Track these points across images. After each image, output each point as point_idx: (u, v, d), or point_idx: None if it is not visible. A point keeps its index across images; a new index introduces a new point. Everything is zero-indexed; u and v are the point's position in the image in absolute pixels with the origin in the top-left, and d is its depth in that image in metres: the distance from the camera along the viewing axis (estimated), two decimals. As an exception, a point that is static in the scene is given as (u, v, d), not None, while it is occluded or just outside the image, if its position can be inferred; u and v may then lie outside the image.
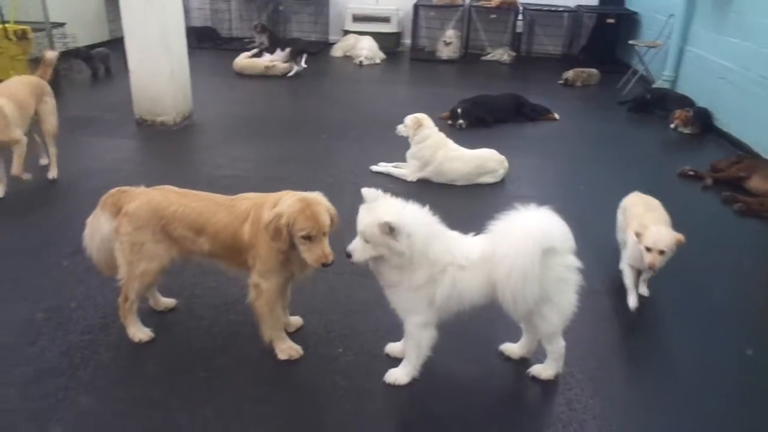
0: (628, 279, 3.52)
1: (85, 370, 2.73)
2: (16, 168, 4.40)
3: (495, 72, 10.06)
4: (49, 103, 4.80)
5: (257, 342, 2.89)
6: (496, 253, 2.43)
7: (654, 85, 8.38)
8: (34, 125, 4.75)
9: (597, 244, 4.17)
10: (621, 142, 6.71)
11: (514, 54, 10.59)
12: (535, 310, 2.53)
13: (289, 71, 9.02)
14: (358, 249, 2.45)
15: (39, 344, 2.89)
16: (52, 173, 4.86)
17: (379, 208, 2.41)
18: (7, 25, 7.24)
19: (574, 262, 2.54)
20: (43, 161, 5.00)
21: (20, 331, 2.98)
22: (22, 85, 4.59)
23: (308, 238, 2.51)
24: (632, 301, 3.39)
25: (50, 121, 4.79)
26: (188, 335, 3.02)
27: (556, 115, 7.24)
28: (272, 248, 2.61)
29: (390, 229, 2.34)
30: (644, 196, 3.90)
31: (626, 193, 4.03)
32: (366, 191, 2.52)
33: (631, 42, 9.05)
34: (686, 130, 6.85)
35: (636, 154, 6.33)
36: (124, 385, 2.67)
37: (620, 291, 3.58)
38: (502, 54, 10.61)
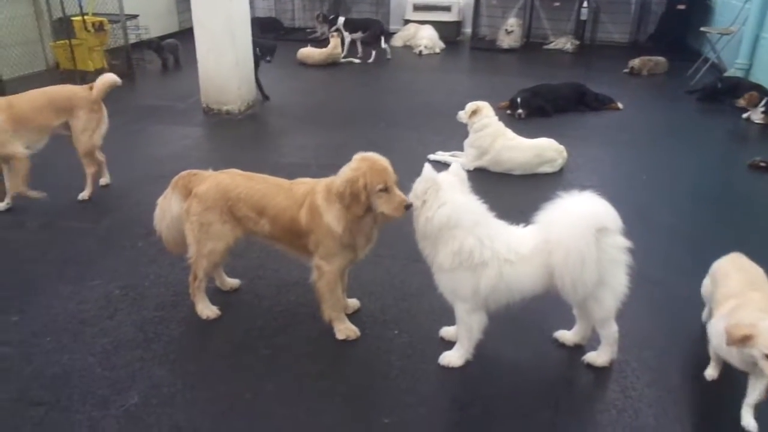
0: (712, 353, 2.73)
1: (158, 344, 2.93)
2: (12, 184, 4.13)
3: (557, 61, 9.87)
4: (82, 119, 4.25)
5: (316, 322, 3.01)
6: (549, 240, 2.45)
7: (726, 74, 8.03)
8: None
9: (657, 234, 4.11)
10: (688, 132, 6.48)
11: (577, 42, 10.35)
12: (591, 293, 2.54)
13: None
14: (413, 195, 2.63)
15: (116, 318, 3.12)
16: (104, 179, 4.65)
17: (433, 178, 2.55)
18: (86, 17, 7.66)
19: (624, 242, 2.54)
20: (103, 180, 4.68)
21: (99, 306, 3.21)
22: (37, 96, 4.22)
23: (385, 190, 2.61)
24: (709, 373, 2.73)
25: (81, 139, 4.28)
26: (251, 314, 3.18)
27: (620, 105, 7.06)
28: (333, 233, 2.72)
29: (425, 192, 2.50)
30: (743, 260, 2.87)
31: (692, 183, 3.90)
32: (427, 167, 2.65)
33: (702, 29, 8.68)
34: (758, 120, 6.55)
35: (704, 144, 6.12)
36: (193, 358, 2.84)
37: (678, 280, 3.51)
38: (565, 42, 10.39)
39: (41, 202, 4.27)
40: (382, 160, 2.69)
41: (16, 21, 7.73)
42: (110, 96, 4.47)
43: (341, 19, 9.64)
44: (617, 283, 2.57)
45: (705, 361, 2.87)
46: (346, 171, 2.68)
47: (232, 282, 3.39)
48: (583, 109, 6.97)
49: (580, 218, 2.41)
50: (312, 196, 2.78)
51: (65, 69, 7.91)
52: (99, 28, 7.80)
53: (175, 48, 8.94)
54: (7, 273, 3.53)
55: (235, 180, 2.93)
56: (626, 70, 8.89)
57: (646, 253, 3.75)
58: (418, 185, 2.58)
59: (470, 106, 5.09)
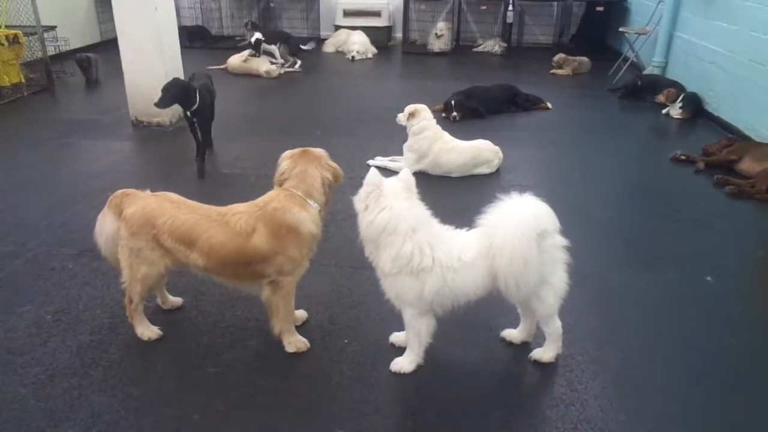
0: None
1: (96, 369, 2.79)
2: None
3: (487, 63, 10.11)
4: None
5: (264, 336, 2.96)
6: (493, 245, 2.50)
7: (644, 72, 8.46)
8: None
9: (591, 230, 4.27)
10: (614, 128, 6.79)
11: (505, 45, 10.63)
12: (533, 293, 2.61)
13: (288, 66, 9.18)
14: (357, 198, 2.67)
15: (49, 345, 2.95)
16: None
17: (368, 185, 2.57)
18: (-2, 30, 7.24)
19: (562, 241, 2.64)
20: None
21: (30, 334, 3.03)
22: None
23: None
24: None
25: None
26: (196, 331, 3.08)
27: (549, 105, 7.31)
28: (312, 237, 2.75)
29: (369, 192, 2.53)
30: None
31: (621, 179, 4.08)
32: (404, 171, 2.76)
33: (621, 29, 9.12)
34: (677, 115, 6.93)
35: (629, 140, 6.42)
36: (136, 382, 2.72)
37: (614, 273, 3.67)
38: (493, 45, 10.66)
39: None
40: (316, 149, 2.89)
41: None
42: (32, 110, 4.25)
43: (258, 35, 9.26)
44: (558, 280, 2.65)
45: (643, 351, 3.02)
46: (319, 171, 2.80)
47: (174, 300, 3.27)
48: (515, 110, 7.17)
49: (522, 222, 2.47)
50: (275, 217, 2.68)
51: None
52: (13, 40, 7.36)
53: (96, 63, 8.25)
54: None
55: (162, 206, 2.77)
56: (552, 68, 9.24)
57: (584, 249, 3.86)
58: (362, 189, 2.58)
59: (409, 108, 5.13)
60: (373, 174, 2.58)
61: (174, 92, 4.87)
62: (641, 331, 3.19)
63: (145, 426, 2.47)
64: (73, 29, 9.34)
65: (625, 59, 8.83)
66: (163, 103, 4.84)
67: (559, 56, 9.35)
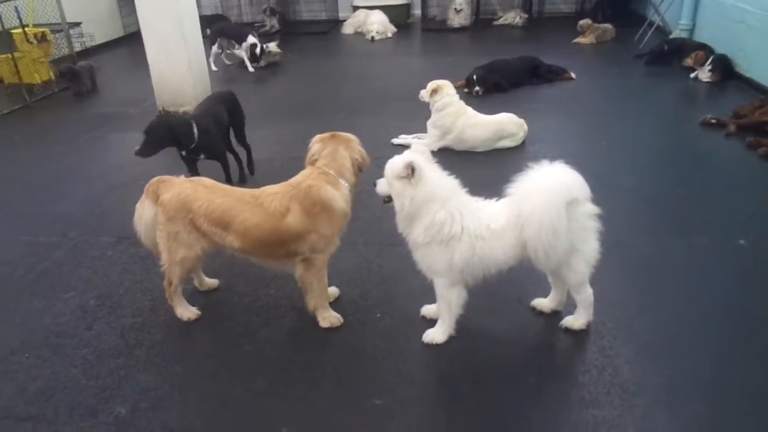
0: None
1: (140, 349, 2.91)
2: None
3: (508, 36, 9.98)
4: None
5: (297, 313, 3.06)
6: (521, 213, 2.52)
7: (671, 36, 8.26)
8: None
9: (620, 198, 4.24)
10: (640, 95, 6.66)
11: (526, 16, 10.47)
12: (564, 261, 2.62)
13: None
14: (380, 183, 2.73)
15: (95, 328, 3.08)
16: None
17: (405, 156, 2.61)
18: (26, 28, 7.41)
19: (593, 209, 2.63)
20: None
21: (76, 318, 3.17)
22: None
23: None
24: None
25: None
26: (233, 311, 3.18)
27: (573, 75, 7.21)
28: (344, 215, 2.83)
29: (411, 170, 2.53)
30: None
31: (649, 146, 4.04)
32: (415, 144, 2.76)
33: (644, -7, 8.90)
34: (706, 78, 6.77)
35: (656, 106, 6.31)
36: (178, 360, 2.84)
37: (644, 240, 3.65)
38: (514, 17, 10.49)
39: (2, 221, 4.16)
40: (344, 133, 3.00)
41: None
42: (62, 106, 4.37)
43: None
44: (589, 249, 2.66)
45: (674, 317, 3.01)
46: (349, 152, 2.88)
47: (211, 282, 3.38)
48: (538, 82, 7.09)
49: (552, 191, 2.48)
50: (310, 194, 2.75)
51: (10, 83, 7.63)
52: (41, 38, 7.54)
53: (91, 71, 7.74)
54: (-25, 295, 3.44)
55: (197, 191, 2.85)
56: (576, 36, 9.07)
57: (613, 217, 3.86)
58: (396, 165, 2.60)
59: (431, 84, 5.13)
60: (405, 154, 2.63)
61: (159, 135, 3.87)
62: (673, 297, 3.18)
63: (190, 401, 2.58)
64: (97, 25, 9.51)
65: (651, 24, 8.62)
66: (144, 152, 3.82)
67: (584, 21, 9.18)
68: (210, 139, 4.16)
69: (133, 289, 3.39)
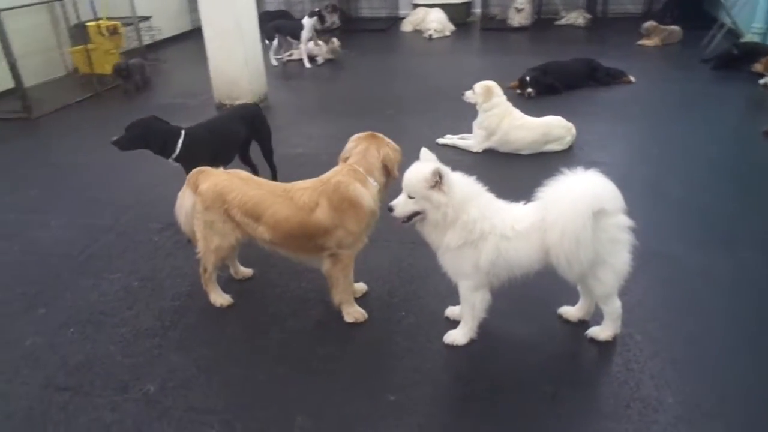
0: None
1: (175, 331, 3.07)
2: None
3: (569, 37, 9.76)
4: None
5: (324, 306, 3.13)
6: (546, 219, 2.49)
7: (742, 40, 7.86)
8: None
9: (666, 207, 4.11)
10: (703, 102, 6.39)
11: (589, 16, 10.21)
12: (590, 272, 2.58)
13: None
14: (400, 203, 2.63)
15: (135, 309, 3.26)
16: None
17: (424, 165, 2.58)
18: (99, 21, 7.84)
19: (626, 221, 2.56)
20: None
21: (119, 298, 3.36)
22: None
23: None
24: None
25: None
26: (263, 301, 3.29)
27: (632, 78, 6.99)
28: (372, 214, 2.86)
29: (439, 177, 2.49)
30: None
31: (706, 155, 3.85)
32: (424, 151, 2.71)
33: (716, -5, 8.51)
34: (776, 86, 6.43)
35: (718, 113, 6.03)
36: (208, 344, 2.97)
37: (688, 254, 3.53)
38: (576, 17, 10.26)
39: (63, 205, 4.46)
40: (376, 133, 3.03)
41: (34, 30, 7.91)
42: (128, 96, 4.59)
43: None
44: (618, 262, 2.59)
45: (709, 333, 2.90)
46: (381, 150, 2.92)
47: (246, 271, 3.50)
48: (595, 85, 6.92)
49: (578, 199, 2.44)
50: (338, 190, 2.81)
51: (84, 73, 8.11)
52: (113, 31, 7.96)
53: (143, 68, 7.89)
54: (35, 269, 3.70)
55: (232, 182, 2.96)
56: (641, 38, 8.76)
57: (655, 227, 3.80)
58: (421, 176, 2.55)
59: (480, 86, 5.09)
60: (419, 166, 2.62)
61: (136, 133, 3.79)
62: (710, 314, 3.06)
63: (214, 384, 2.70)
64: (166, 19, 9.92)
65: (721, 26, 8.23)
66: (120, 144, 3.77)
67: (649, 23, 8.85)
68: (193, 155, 3.80)
69: (173, 274, 3.56)
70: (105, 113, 6.92)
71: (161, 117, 3.99)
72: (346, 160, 2.96)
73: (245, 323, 3.12)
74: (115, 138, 3.76)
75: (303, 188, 2.90)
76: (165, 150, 3.85)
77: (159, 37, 9.25)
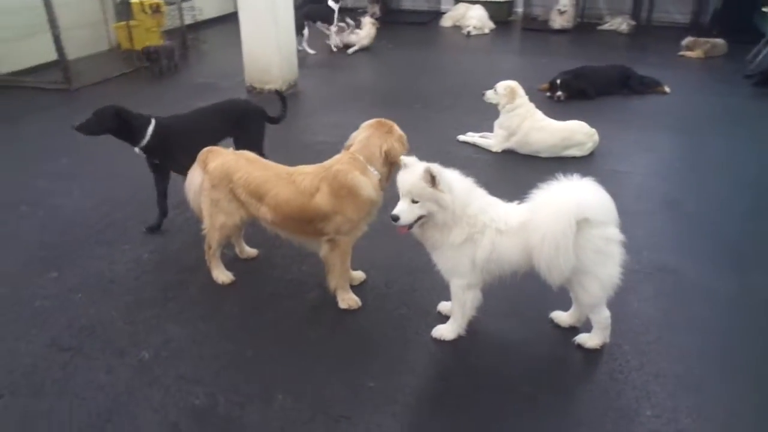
0: None
1: (175, 303, 3.19)
2: None
3: (610, 42, 9.58)
4: None
5: (321, 291, 3.20)
6: (531, 220, 2.51)
7: (789, 56, 7.61)
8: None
9: (679, 222, 4.05)
10: (740, 118, 6.22)
11: (633, 23, 9.99)
12: (574, 280, 2.58)
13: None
14: (404, 210, 2.58)
15: (142, 279, 3.40)
16: None
17: (417, 167, 2.57)
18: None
19: (615, 234, 2.54)
20: None
21: (128, 268, 3.50)
22: None
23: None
24: None
25: None
26: (263, 281, 3.39)
27: (667, 88, 6.85)
28: (372, 203, 2.89)
29: (431, 177, 2.49)
30: None
31: (732, 172, 3.76)
32: (405, 158, 2.71)
33: (765, 9, 8.22)
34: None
35: (754, 131, 5.86)
36: (204, 318, 3.08)
37: (694, 270, 3.47)
38: (620, 23, 10.05)
39: (89, 175, 4.64)
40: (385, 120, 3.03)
41: (82, 4, 8.19)
42: (167, 74, 4.64)
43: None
44: (604, 273, 2.57)
45: (701, 352, 2.87)
46: (384, 142, 2.92)
47: (250, 251, 3.60)
48: (628, 93, 6.80)
49: (562, 206, 2.44)
50: (338, 178, 2.86)
51: (125, 49, 8.36)
52: (155, 9, 8.18)
53: (171, 52, 7.86)
54: (54, 235, 3.88)
55: (239, 163, 3.05)
56: (681, 53, 8.56)
57: (665, 241, 3.75)
58: (418, 173, 2.53)
59: (502, 86, 5.06)
60: (411, 169, 2.61)
61: (104, 118, 3.60)
62: (706, 334, 3.01)
63: (204, 356, 2.81)
64: (209, 0, 10.09)
65: (768, 42, 7.97)
66: (84, 128, 3.56)
67: (689, 39, 8.62)
68: (163, 145, 3.71)
69: (182, 248, 3.69)
70: (140, 89, 7.13)
71: (191, 96, 4.08)
72: (349, 147, 3.01)
73: (243, 301, 3.21)
74: (77, 123, 3.54)
75: (305, 173, 2.97)
76: (133, 137, 3.67)
77: (201, 17, 9.44)
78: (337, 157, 2.98)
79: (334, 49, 8.67)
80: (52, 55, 7.13)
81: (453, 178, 2.61)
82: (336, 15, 8.74)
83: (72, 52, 7.68)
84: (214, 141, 3.77)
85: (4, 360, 2.79)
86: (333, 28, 8.79)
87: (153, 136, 3.67)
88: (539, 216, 2.48)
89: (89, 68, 7.67)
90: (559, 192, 2.51)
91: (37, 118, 6.18)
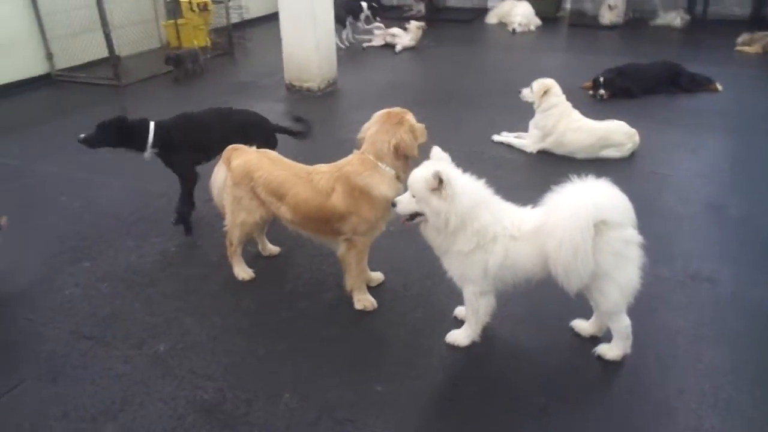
0: None
1: (196, 296, 3.25)
2: None
3: (662, 38, 9.21)
4: None
5: (338, 291, 3.20)
6: (546, 225, 2.42)
7: None
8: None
9: (720, 228, 3.85)
10: (795, 119, 5.87)
11: (688, 18, 9.56)
12: (593, 285, 2.49)
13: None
14: (403, 201, 2.58)
15: (167, 272, 3.48)
16: None
17: (431, 166, 2.50)
18: (191, -1, 8.26)
19: (634, 236, 2.44)
20: None
21: (155, 261, 3.60)
22: None
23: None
24: None
25: None
26: (283, 279, 3.41)
27: (719, 86, 6.52)
28: (385, 201, 2.81)
29: (440, 181, 2.41)
30: None
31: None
32: (435, 150, 2.65)
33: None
34: None
35: (810, 134, 5.52)
36: (221, 313, 3.12)
37: (733, 280, 3.30)
38: (674, 18, 9.64)
39: (127, 168, 4.78)
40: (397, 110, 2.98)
41: (136, 3, 8.43)
42: (212, 71, 4.72)
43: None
44: (624, 278, 2.47)
45: (731, 368, 2.71)
46: (394, 135, 2.85)
47: (272, 248, 3.63)
48: (676, 91, 6.50)
49: (579, 208, 2.35)
50: (349, 180, 2.84)
51: (174, 47, 8.58)
52: (203, 8, 8.36)
53: (196, 56, 7.65)
54: (88, 226, 4.02)
55: (260, 161, 3.06)
56: (738, 48, 8.15)
57: (704, 247, 3.58)
58: (422, 178, 2.49)
59: (539, 84, 4.93)
60: (428, 165, 2.55)
61: (106, 133, 3.63)
62: (739, 348, 2.84)
63: (217, 352, 2.85)
64: (255, -1, 10.25)
65: (835, 38, 7.49)
66: (88, 141, 3.61)
67: (745, 36, 8.20)
68: (165, 146, 3.73)
69: (209, 244, 3.76)
70: (184, 87, 7.30)
71: (231, 93, 4.10)
72: (361, 140, 2.98)
73: (260, 298, 3.24)
74: (83, 136, 3.59)
75: (322, 172, 2.97)
76: (138, 145, 3.70)
77: (247, 16, 9.59)
78: (349, 157, 2.96)
79: (343, 46, 8.73)
80: (104, 52, 7.39)
81: (463, 190, 2.49)
82: (364, 13, 8.91)
83: (124, 50, 7.96)
84: (215, 150, 3.73)
85: (31, 346, 2.91)
86: (360, 24, 8.94)
87: (155, 139, 3.68)
88: (554, 220, 2.39)
89: (138, 65, 7.91)
90: (573, 194, 2.42)
91: (87, 111, 6.39)
